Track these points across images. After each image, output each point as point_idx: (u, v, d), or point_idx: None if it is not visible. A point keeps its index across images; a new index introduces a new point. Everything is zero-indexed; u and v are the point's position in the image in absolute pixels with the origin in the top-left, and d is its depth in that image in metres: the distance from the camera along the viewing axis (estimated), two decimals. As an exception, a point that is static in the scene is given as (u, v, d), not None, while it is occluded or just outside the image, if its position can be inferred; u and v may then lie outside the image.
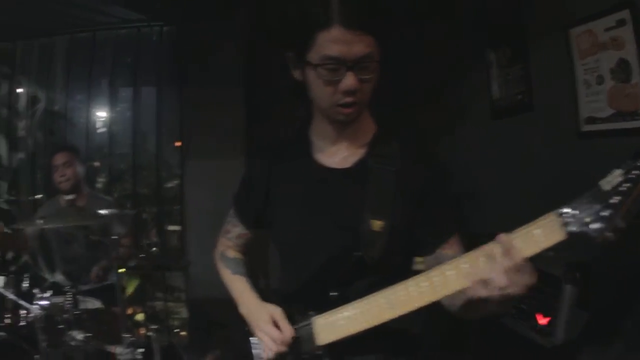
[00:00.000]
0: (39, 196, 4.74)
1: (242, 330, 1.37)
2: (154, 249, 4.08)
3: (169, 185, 4.52)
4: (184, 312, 3.66)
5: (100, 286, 3.36)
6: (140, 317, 3.05)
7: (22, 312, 2.81)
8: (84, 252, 3.55)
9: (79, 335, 2.76)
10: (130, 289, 3.73)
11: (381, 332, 1.15)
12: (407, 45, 3.08)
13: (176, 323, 3.42)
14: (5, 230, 3.42)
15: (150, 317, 3.26)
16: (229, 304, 1.41)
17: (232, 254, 1.52)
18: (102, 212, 2.86)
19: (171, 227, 4.36)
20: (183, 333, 3.38)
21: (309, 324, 1.23)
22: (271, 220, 1.39)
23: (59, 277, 3.56)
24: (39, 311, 2.70)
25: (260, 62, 3.71)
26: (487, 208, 3.24)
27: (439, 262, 1.14)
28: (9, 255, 4.42)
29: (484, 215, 3.13)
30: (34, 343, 2.79)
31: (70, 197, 3.55)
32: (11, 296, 2.78)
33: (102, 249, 3.44)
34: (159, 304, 3.60)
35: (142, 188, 4.56)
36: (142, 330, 3.03)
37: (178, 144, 4.38)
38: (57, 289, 3.05)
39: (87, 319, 2.89)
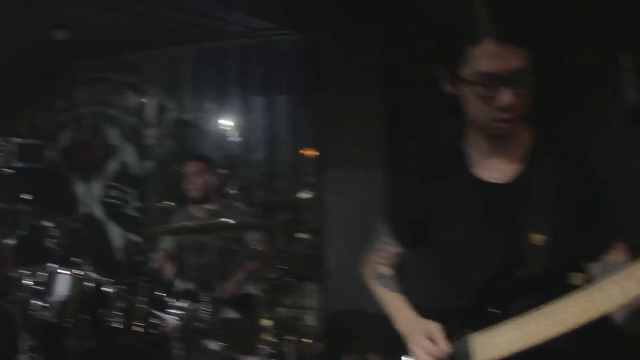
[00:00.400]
0: (169, 204, 5.09)
1: (393, 347, 1.43)
2: (290, 258, 4.28)
3: (301, 194, 4.71)
4: (318, 323, 3.80)
5: (235, 295, 3.53)
6: (274, 327, 3.23)
7: (154, 320, 3.00)
8: (217, 260, 3.74)
9: (214, 345, 2.92)
10: (265, 299, 3.97)
11: (535, 350, 1.17)
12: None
13: (310, 334, 3.56)
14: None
15: (285, 328, 3.43)
16: (365, 316, 1.51)
17: (386, 271, 1.59)
18: (235, 220, 3.02)
19: (302, 236, 4.53)
20: (317, 344, 3.51)
21: (467, 342, 1.27)
22: (431, 238, 1.43)
23: (189, 285, 3.68)
24: (174, 320, 2.89)
25: (399, 70, 3.76)
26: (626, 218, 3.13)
27: (606, 268, 1.18)
28: (139, 261, 4.92)
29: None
30: (165, 351, 2.97)
31: (201, 205, 3.79)
32: (144, 304, 2.97)
33: (235, 257, 3.65)
34: (293, 315, 3.77)
35: (274, 196, 4.78)
36: (277, 341, 3.20)
37: (309, 152, 4.57)
38: (192, 298, 3.19)
39: (222, 329, 3.04)
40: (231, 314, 3.29)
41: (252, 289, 3.84)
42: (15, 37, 4.54)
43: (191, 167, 3.83)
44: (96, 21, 4.29)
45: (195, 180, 3.79)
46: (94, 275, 3.16)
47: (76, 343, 3.40)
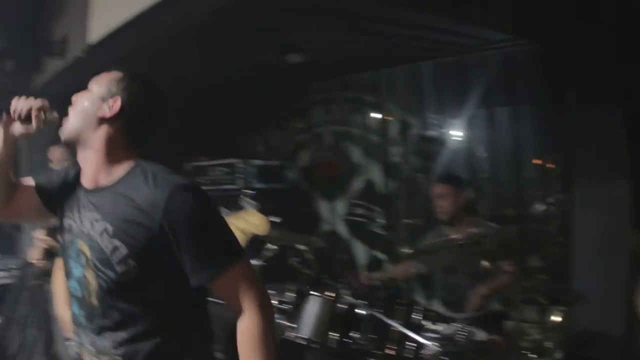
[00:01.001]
0: (415, 221, 5.51)
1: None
2: (536, 276, 4.40)
3: (545, 207, 4.80)
4: (563, 346, 3.90)
5: (480, 315, 3.68)
6: (520, 348, 3.41)
7: (410, 343, 3.23)
8: (466, 281, 3.97)
9: None
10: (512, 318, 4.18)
11: None
12: None
13: (555, 356, 3.67)
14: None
15: (532, 349, 3.58)
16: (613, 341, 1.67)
17: None
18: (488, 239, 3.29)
19: (549, 251, 4.63)
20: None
21: None
22: None
23: (440, 307, 4.08)
24: (433, 344, 3.09)
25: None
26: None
27: None
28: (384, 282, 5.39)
29: None
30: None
31: (453, 226, 4.06)
32: (402, 329, 3.21)
33: (484, 276, 3.81)
34: (538, 336, 3.91)
35: (520, 210, 4.93)
36: None
37: (550, 164, 4.69)
38: (445, 320, 3.50)
39: (474, 351, 3.24)
40: (481, 334, 3.40)
41: (499, 307, 4.02)
42: (251, 62, 5.28)
43: (439, 190, 4.13)
44: (332, 43, 4.80)
45: (443, 203, 4.08)
46: (347, 297, 3.49)
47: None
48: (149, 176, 1.75)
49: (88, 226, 1.77)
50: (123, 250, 1.68)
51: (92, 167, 1.83)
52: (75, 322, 1.86)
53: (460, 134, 5.24)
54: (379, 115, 5.80)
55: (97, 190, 1.81)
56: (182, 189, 1.70)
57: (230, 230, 1.77)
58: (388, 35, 4.66)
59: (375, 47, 4.98)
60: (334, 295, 3.56)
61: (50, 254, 3.53)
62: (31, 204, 2.01)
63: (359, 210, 6.02)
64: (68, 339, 3.15)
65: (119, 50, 4.54)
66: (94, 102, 1.83)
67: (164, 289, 1.74)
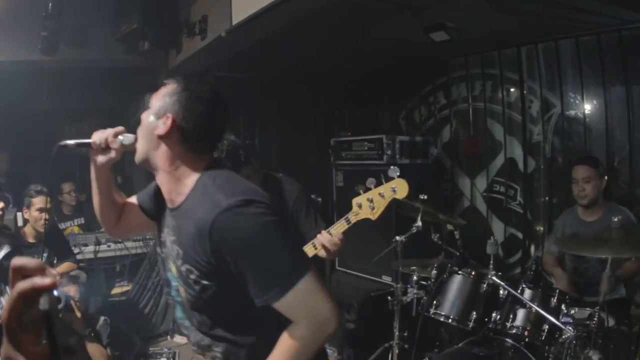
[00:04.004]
0: (553, 201, 5.48)
1: None
2: None
3: None
4: None
5: (609, 300, 3.61)
6: None
7: (545, 326, 3.27)
8: (598, 265, 4.00)
9: (595, 356, 3.08)
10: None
11: None
12: None
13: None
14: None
15: None
16: None
17: None
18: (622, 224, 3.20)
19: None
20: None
21: None
22: None
23: (572, 292, 4.04)
24: (570, 329, 3.09)
25: None
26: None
27: None
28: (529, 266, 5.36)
29: None
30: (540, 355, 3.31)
31: (590, 208, 4.12)
32: (541, 311, 3.23)
33: (616, 262, 3.66)
34: None
35: None
36: None
37: None
38: (577, 304, 3.56)
39: (601, 338, 3.23)
40: (610, 321, 3.40)
41: (625, 293, 4.01)
42: (395, 40, 5.35)
43: (580, 172, 4.15)
44: (475, 21, 4.82)
45: (582, 186, 4.11)
46: (492, 277, 3.52)
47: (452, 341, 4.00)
48: (202, 197, 1.74)
49: (170, 247, 1.86)
50: (195, 273, 1.73)
51: (165, 187, 1.86)
52: (180, 323, 2.02)
53: (601, 114, 5.11)
54: (521, 93, 5.71)
55: (173, 210, 1.85)
56: (225, 212, 1.63)
57: (290, 245, 1.70)
58: (529, 12, 4.59)
59: (515, 25, 4.94)
60: (476, 274, 3.63)
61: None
62: (139, 220, 2.14)
63: (499, 188, 6.02)
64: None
65: (262, 31, 4.68)
66: (152, 120, 1.83)
67: (246, 301, 1.70)
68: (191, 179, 1.80)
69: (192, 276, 1.75)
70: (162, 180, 1.86)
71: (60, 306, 3.92)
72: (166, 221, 1.90)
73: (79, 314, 4.17)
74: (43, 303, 0.79)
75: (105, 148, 1.94)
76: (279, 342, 1.70)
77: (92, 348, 4.12)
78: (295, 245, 1.77)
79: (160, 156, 1.81)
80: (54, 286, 0.80)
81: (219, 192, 1.70)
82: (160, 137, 1.79)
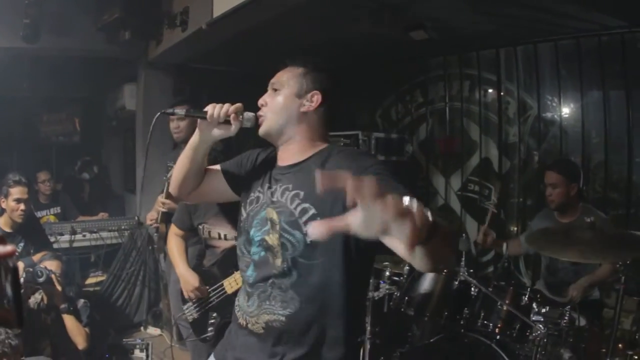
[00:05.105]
0: (527, 202, 5.51)
1: None
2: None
3: None
4: None
5: (581, 301, 3.67)
6: (617, 339, 3.33)
7: (517, 324, 3.25)
8: (570, 265, 4.00)
9: (566, 355, 3.11)
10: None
11: None
12: None
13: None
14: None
15: (629, 342, 3.49)
16: None
17: None
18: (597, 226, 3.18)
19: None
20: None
21: None
22: None
23: (542, 288, 4.09)
24: (541, 327, 3.10)
25: None
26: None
27: None
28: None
29: None
30: (515, 354, 3.31)
31: (564, 212, 4.09)
32: (512, 309, 3.24)
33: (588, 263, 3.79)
34: (628, 329, 3.80)
35: (630, 197, 4.77)
36: (620, 353, 3.30)
37: None
38: (549, 304, 3.50)
39: (572, 337, 3.23)
40: (582, 321, 3.39)
41: (599, 296, 4.02)
42: (374, 37, 5.31)
43: (549, 178, 4.11)
44: (455, 21, 4.83)
45: (554, 192, 4.07)
46: (463, 274, 3.52)
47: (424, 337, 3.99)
48: (342, 151, 1.96)
49: (278, 196, 1.96)
50: (311, 211, 1.84)
51: (291, 152, 2.03)
52: (246, 282, 2.03)
53: (576, 117, 5.17)
54: (498, 94, 5.77)
55: (291, 166, 2.01)
56: (380, 162, 1.91)
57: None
58: (509, 15, 4.62)
59: (494, 26, 4.96)
60: (447, 271, 3.62)
61: (167, 217, 3.76)
62: (218, 186, 2.24)
63: (473, 187, 6.05)
64: (186, 301, 3.36)
65: (243, 24, 4.67)
66: (292, 99, 2.01)
67: (342, 253, 1.83)
68: (320, 146, 2.02)
69: (306, 215, 1.85)
70: (291, 147, 2.03)
71: (42, 280, 3.95)
72: (273, 177, 2.04)
73: (59, 288, 4.12)
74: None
75: (223, 122, 2.04)
76: None
77: (70, 321, 4.13)
78: None
79: (299, 130, 2.01)
80: (13, 254, 0.91)
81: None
82: (305, 114, 1.99)
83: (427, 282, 3.66)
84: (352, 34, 5.30)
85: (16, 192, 4.47)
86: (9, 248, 0.91)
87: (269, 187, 2.01)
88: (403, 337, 4.22)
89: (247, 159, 2.22)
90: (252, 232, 2.01)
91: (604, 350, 3.30)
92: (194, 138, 2.11)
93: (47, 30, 5.51)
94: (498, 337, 3.40)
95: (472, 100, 6.03)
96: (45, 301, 4.02)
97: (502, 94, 5.73)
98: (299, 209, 1.86)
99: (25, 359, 3.26)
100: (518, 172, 5.64)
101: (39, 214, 6.14)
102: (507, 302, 3.38)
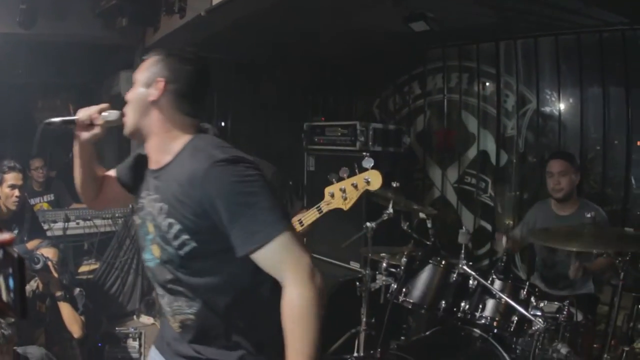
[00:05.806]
0: (525, 195, 5.51)
1: None
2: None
3: None
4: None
5: (577, 296, 3.70)
6: (610, 334, 3.31)
7: (513, 316, 3.23)
8: (567, 259, 3.99)
9: (563, 349, 3.04)
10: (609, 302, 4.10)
11: None
12: None
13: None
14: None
15: (621, 337, 3.48)
16: None
17: None
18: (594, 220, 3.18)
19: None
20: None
21: None
22: None
23: (537, 282, 4.10)
24: (540, 322, 3.05)
25: None
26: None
27: None
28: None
29: None
30: (511, 347, 3.29)
31: (564, 203, 4.11)
32: (511, 302, 3.20)
33: (585, 256, 3.82)
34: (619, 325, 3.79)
35: (625, 192, 4.80)
36: (613, 348, 3.28)
37: None
38: (546, 297, 3.51)
39: (569, 331, 3.20)
40: (578, 315, 3.38)
41: (593, 290, 4.04)
42: (374, 28, 5.30)
43: (556, 166, 4.11)
44: (455, 13, 4.79)
45: (558, 180, 4.08)
46: (463, 267, 3.47)
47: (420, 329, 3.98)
48: (194, 152, 1.80)
49: (151, 207, 1.88)
50: (177, 227, 1.77)
51: (154, 149, 1.93)
52: (154, 287, 2.02)
53: (574, 112, 5.17)
54: (497, 87, 5.74)
55: (158, 170, 1.91)
56: (220, 164, 1.70)
57: (274, 203, 1.73)
58: (510, 8, 4.59)
59: (495, 19, 4.92)
60: (446, 263, 3.59)
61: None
62: (116, 193, 2.22)
63: (470, 180, 6.04)
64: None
65: (242, 12, 4.62)
66: (141, 90, 1.91)
67: (223, 259, 1.78)
68: (182, 140, 1.88)
69: (173, 230, 1.79)
70: (152, 144, 1.93)
71: (38, 267, 3.89)
72: (147, 184, 1.96)
73: (56, 275, 4.07)
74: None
75: (90, 125, 2.01)
76: (286, 320, 1.68)
77: (66, 309, 4.06)
78: (279, 203, 1.82)
79: (153, 122, 1.89)
80: (11, 241, 0.92)
81: (214, 149, 1.77)
82: (153, 103, 1.87)
83: (424, 274, 3.61)
84: (351, 25, 5.26)
85: (11, 178, 4.40)
86: (6, 236, 0.90)
87: (148, 194, 1.94)
88: (399, 329, 4.19)
89: (135, 160, 2.15)
90: (142, 241, 1.99)
91: (596, 345, 3.33)
92: (74, 145, 2.09)
93: (43, 15, 5.42)
94: (495, 330, 3.38)
95: (470, 92, 6.01)
96: (41, 288, 3.97)
97: (500, 86, 5.70)
98: (165, 223, 1.82)
99: (18, 348, 3.20)
100: (515, 165, 5.63)
101: (32, 202, 6.06)
102: (505, 295, 3.33)
